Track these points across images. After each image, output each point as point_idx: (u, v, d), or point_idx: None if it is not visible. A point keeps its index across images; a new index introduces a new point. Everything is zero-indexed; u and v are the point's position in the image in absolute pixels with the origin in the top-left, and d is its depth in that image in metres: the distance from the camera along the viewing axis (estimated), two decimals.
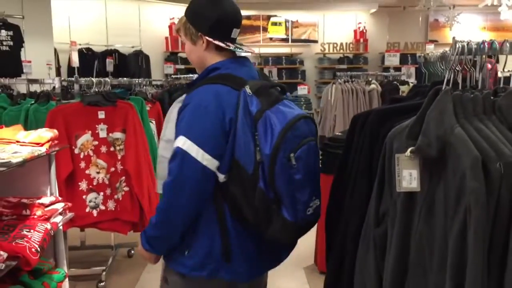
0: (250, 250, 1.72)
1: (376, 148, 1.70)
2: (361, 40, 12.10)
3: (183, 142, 1.58)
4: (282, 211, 1.61)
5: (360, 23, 12.18)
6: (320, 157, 3.95)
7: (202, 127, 1.60)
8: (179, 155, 1.58)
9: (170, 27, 10.97)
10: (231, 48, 1.75)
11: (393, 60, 6.89)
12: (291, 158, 1.57)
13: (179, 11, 11.13)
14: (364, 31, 12.14)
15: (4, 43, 6.89)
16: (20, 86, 4.47)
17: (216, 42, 1.73)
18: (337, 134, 4.01)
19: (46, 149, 2.22)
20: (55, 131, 2.43)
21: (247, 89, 1.63)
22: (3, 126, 2.38)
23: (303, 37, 12.50)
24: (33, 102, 3.66)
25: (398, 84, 6.36)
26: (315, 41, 12.39)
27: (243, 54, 1.86)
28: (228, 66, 1.74)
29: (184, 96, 1.74)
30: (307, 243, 4.23)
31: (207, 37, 1.74)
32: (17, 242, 2.02)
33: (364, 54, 12.09)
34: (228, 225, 1.66)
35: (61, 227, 2.45)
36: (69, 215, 2.43)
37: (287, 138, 1.56)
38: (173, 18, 11.02)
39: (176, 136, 1.62)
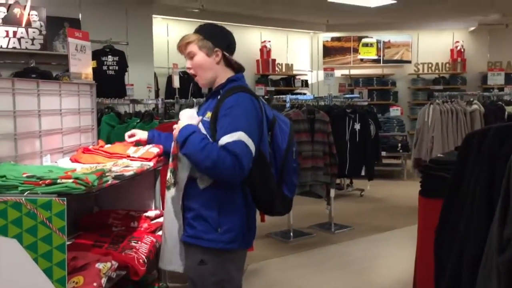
0: (254, 225, 2.14)
1: (497, 169, 1.57)
2: (459, 59, 11.56)
3: (241, 135, 1.88)
4: (284, 190, 2.11)
5: (457, 42, 11.67)
6: (420, 180, 3.76)
7: (252, 123, 1.95)
8: (239, 142, 1.87)
9: (261, 50, 11.22)
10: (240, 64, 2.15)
11: (497, 79, 6.47)
12: (294, 151, 2.14)
13: (270, 34, 11.38)
14: (462, 50, 11.60)
15: (111, 67, 7.40)
16: (122, 107, 4.76)
17: (231, 58, 2.11)
18: (440, 156, 3.79)
19: (153, 164, 2.31)
20: (161, 147, 2.53)
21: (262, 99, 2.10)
22: (116, 143, 2.52)
23: (395, 58, 12.20)
24: (138, 120, 3.86)
25: (503, 104, 5.97)
26: (408, 62, 12.04)
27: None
28: (240, 78, 2.13)
29: (204, 104, 2.18)
30: (405, 271, 4.04)
31: (224, 52, 2.09)
32: (127, 253, 2.11)
33: (462, 74, 11.53)
34: (250, 206, 2.06)
35: None
36: None
37: (292, 137, 2.15)
38: (264, 41, 11.27)
39: (229, 131, 1.89)
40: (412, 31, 11.80)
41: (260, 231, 2.86)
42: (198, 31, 2.11)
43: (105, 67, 7.37)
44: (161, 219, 2.43)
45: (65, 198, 1.61)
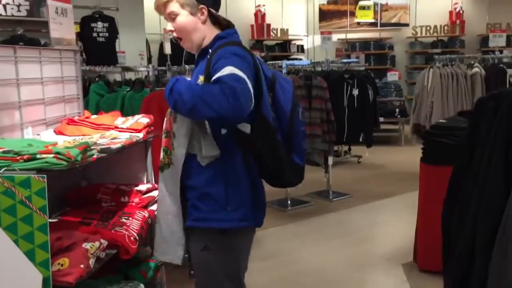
0: (264, 200, 1.96)
1: None
2: (457, 21, 11.29)
3: (231, 69, 1.63)
4: (294, 158, 1.89)
5: (456, 3, 11.37)
6: (422, 146, 3.65)
7: (243, 64, 1.67)
8: (230, 74, 1.60)
9: (255, 15, 10.92)
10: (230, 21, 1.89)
11: (498, 41, 6.28)
12: (299, 112, 1.91)
13: None
14: (461, 12, 11.33)
15: (101, 34, 7.11)
16: (112, 76, 4.58)
17: (219, 15, 1.86)
18: (442, 122, 3.67)
19: (143, 135, 2.17)
20: (151, 117, 2.39)
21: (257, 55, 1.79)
22: (102, 112, 2.37)
23: (393, 21, 11.92)
24: (128, 89, 3.70)
25: (504, 67, 5.81)
26: (406, 25, 11.77)
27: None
28: (232, 35, 1.87)
29: (194, 69, 1.90)
30: (405, 239, 3.97)
31: (210, 9, 1.83)
32: (117, 230, 1.99)
33: (461, 37, 11.29)
34: (257, 180, 1.88)
35: None
36: None
37: (297, 97, 1.94)
38: (258, 6, 10.95)
39: (218, 69, 1.65)
40: None
41: None
42: None
43: (95, 34, 7.11)
44: (153, 193, 2.31)
45: (45, 176, 1.48)
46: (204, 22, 1.83)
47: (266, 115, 1.78)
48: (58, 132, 2.18)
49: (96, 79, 4.29)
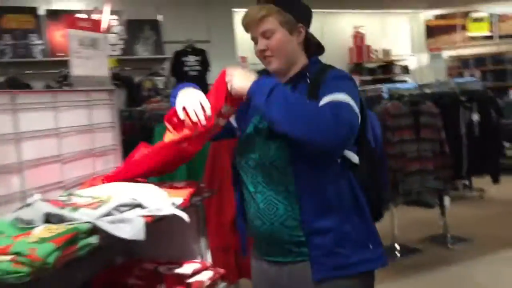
0: None
1: None
2: None
3: (345, 97, 1.48)
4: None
5: None
6: None
7: (355, 95, 1.53)
8: (343, 103, 1.46)
9: (355, 37, 10.26)
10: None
11: None
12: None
13: (363, 19, 10.35)
14: None
15: (193, 68, 7.01)
16: None
17: (314, 36, 1.72)
18: None
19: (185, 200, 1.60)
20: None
21: None
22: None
23: None
24: None
25: None
26: None
27: None
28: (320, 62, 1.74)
29: None
30: None
31: (307, 30, 1.68)
32: None
33: None
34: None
35: None
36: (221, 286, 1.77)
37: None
38: (357, 27, 10.28)
39: (330, 93, 1.49)
40: None
41: None
42: (273, 0, 1.62)
43: (186, 68, 7.06)
44: (203, 276, 1.72)
45: None
46: (300, 43, 1.67)
47: (370, 139, 1.69)
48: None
49: None
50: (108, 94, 1.95)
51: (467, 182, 6.72)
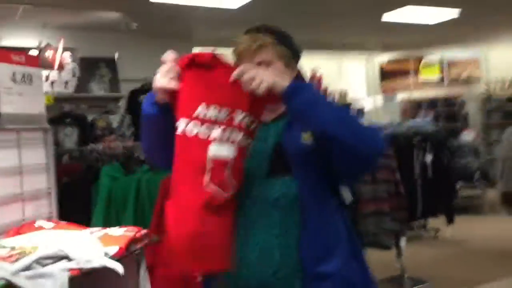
0: None
1: None
2: None
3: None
4: None
5: None
6: None
7: None
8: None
9: (311, 79, 10.40)
10: None
11: None
12: None
13: (320, 61, 10.54)
14: None
15: None
16: None
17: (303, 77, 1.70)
18: None
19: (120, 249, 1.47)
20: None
21: None
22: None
23: (462, 77, 11.00)
24: (148, 168, 3.08)
25: None
26: (478, 80, 10.78)
27: None
28: None
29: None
30: None
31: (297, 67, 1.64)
32: None
33: None
34: None
35: None
36: None
37: None
38: (314, 69, 10.44)
39: None
40: (482, 45, 10.52)
41: None
42: (271, 32, 1.55)
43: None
44: None
45: None
46: (292, 79, 1.47)
47: None
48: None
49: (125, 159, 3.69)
50: (43, 133, 1.81)
51: (423, 225, 6.79)
